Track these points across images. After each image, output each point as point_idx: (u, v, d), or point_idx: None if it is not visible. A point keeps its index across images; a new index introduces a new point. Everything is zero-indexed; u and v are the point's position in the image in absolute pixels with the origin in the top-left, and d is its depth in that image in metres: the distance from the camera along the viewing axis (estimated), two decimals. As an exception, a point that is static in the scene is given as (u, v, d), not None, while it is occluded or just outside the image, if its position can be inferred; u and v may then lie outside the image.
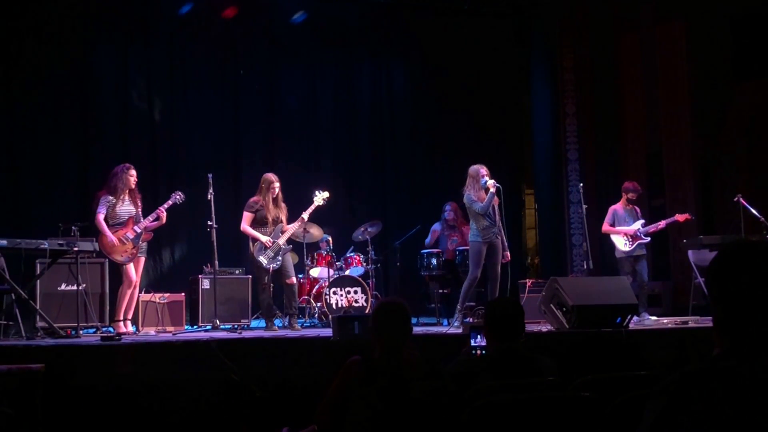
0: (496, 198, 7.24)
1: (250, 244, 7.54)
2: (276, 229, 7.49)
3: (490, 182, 7.22)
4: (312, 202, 7.69)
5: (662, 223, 8.27)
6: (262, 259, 7.39)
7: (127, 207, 7.14)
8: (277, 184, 7.52)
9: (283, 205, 7.64)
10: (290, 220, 7.67)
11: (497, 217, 7.29)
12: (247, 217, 7.51)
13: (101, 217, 7.00)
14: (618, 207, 8.30)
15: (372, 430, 2.98)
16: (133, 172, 7.19)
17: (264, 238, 7.40)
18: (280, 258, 7.43)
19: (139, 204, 7.25)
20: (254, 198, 7.59)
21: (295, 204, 7.87)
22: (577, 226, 10.50)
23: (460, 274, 8.18)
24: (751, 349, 1.47)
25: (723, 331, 1.53)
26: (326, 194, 7.76)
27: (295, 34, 10.53)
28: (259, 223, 7.49)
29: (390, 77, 11.25)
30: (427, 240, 9.09)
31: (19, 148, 9.00)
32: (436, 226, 9.11)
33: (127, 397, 4.95)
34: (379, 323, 3.31)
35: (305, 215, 7.61)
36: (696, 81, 10.33)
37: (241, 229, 7.55)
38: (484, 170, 7.34)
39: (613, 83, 11.10)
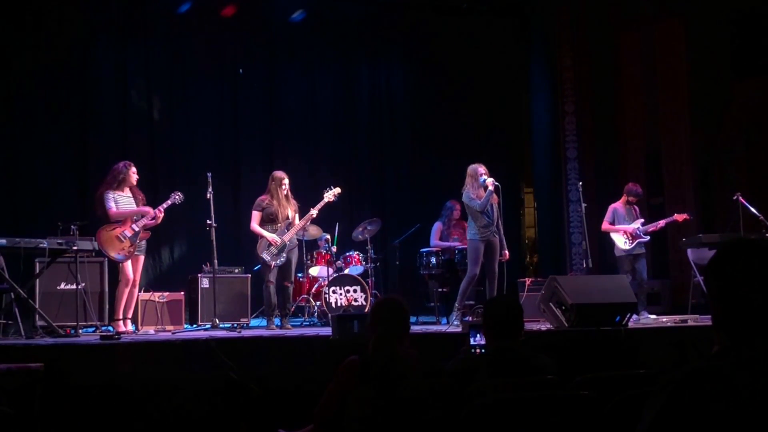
0: (495, 196, 7.32)
1: (258, 241, 7.56)
2: (282, 226, 7.52)
3: (489, 180, 7.31)
4: (322, 197, 7.71)
5: (662, 223, 8.29)
6: (266, 256, 7.42)
7: (129, 204, 7.14)
8: (286, 181, 7.58)
9: (293, 201, 7.67)
10: (300, 216, 7.68)
11: (495, 216, 7.38)
12: (255, 216, 7.56)
13: (114, 210, 6.99)
14: (618, 205, 8.32)
15: (370, 430, 2.98)
16: (135, 169, 7.22)
17: (270, 236, 7.43)
18: (284, 255, 7.47)
19: (142, 200, 7.25)
20: (262, 196, 7.63)
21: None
22: (576, 225, 10.49)
23: (460, 273, 8.17)
24: (749, 347, 1.47)
25: (722, 329, 1.53)
26: (338, 190, 7.80)
27: (295, 33, 10.52)
28: (267, 220, 7.53)
29: (390, 76, 11.25)
30: (434, 241, 8.88)
31: (18, 147, 8.99)
32: (439, 224, 9.00)
33: (126, 396, 4.94)
34: (375, 319, 3.32)
35: (314, 211, 7.63)
36: (695, 79, 10.33)
37: (251, 228, 7.60)
38: (482, 169, 7.45)
39: (612, 82, 11.10)
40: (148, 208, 7.13)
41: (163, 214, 7.22)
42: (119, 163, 7.24)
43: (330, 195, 7.75)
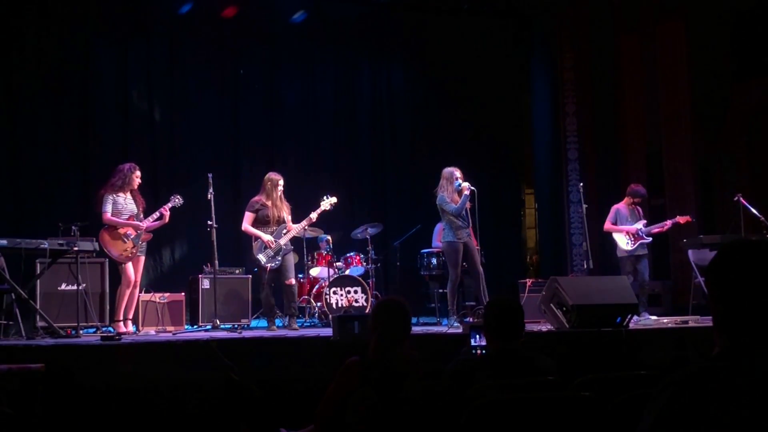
0: (468, 202, 7.34)
1: (253, 243, 7.54)
2: (278, 228, 7.50)
3: (465, 185, 7.38)
4: (319, 205, 7.67)
5: (669, 223, 8.24)
6: (261, 258, 7.39)
7: (129, 206, 7.15)
8: (282, 182, 7.55)
9: (286, 203, 7.64)
10: (293, 219, 7.66)
11: (470, 219, 7.43)
12: (248, 216, 7.52)
13: (108, 215, 7.01)
14: (621, 206, 8.31)
15: (370, 431, 2.98)
16: (139, 173, 7.23)
17: (266, 237, 7.40)
18: (279, 258, 7.42)
19: (141, 204, 7.26)
20: (256, 198, 7.59)
21: (295, 204, 7.87)
22: (577, 226, 10.49)
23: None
24: (750, 348, 1.47)
25: (723, 330, 1.53)
26: (334, 199, 7.75)
27: (295, 34, 10.53)
28: (261, 222, 7.49)
29: (390, 77, 11.25)
30: (437, 242, 8.81)
31: (19, 148, 9.00)
32: (441, 225, 8.97)
33: (127, 396, 4.95)
34: (377, 320, 3.32)
35: (314, 215, 7.59)
36: (696, 80, 10.33)
37: (243, 228, 7.56)
38: (458, 173, 7.53)
39: (612, 83, 11.10)
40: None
41: (169, 213, 7.23)
42: (125, 165, 7.24)
43: (326, 204, 7.69)
